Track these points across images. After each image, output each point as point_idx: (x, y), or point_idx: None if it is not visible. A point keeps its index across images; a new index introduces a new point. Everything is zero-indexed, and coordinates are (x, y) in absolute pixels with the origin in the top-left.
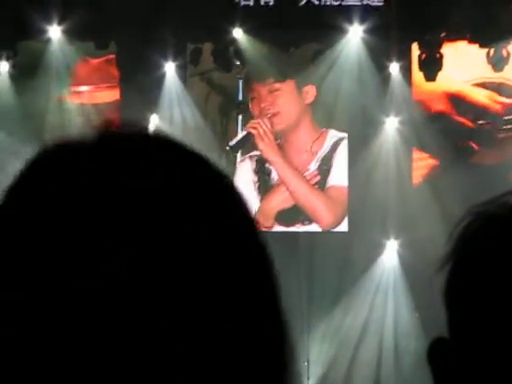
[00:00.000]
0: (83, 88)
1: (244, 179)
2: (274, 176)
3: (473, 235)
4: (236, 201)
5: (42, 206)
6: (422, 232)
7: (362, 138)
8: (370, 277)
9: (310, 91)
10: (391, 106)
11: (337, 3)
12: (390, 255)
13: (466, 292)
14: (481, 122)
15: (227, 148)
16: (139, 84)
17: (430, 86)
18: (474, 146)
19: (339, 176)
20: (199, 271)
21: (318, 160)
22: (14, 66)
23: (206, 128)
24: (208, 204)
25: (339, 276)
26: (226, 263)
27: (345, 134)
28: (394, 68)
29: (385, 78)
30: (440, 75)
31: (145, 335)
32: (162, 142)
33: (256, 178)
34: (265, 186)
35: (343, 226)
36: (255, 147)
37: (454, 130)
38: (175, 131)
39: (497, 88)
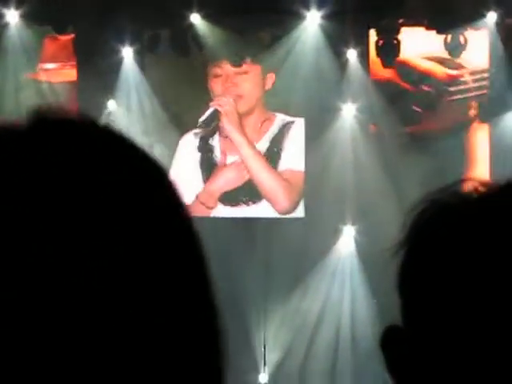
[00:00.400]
0: (49, 66)
1: (186, 155)
2: (217, 154)
3: (426, 223)
4: (168, 191)
5: None
6: (379, 218)
7: (319, 124)
8: (326, 263)
9: (271, 78)
10: (348, 92)
11: None
12: (347, 241)
13: (418, 279)
14: (424, 87)
15: (198, 125)
16: (96, 68)
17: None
18: (418, 109)
19: (294, 160)
20: (125, 264)
21: (266, 141)
22: None
23: (163, 113)
24: (137, 195)
25: (296, 262)
26: (153, 256)
27: (295, 119)
28: (352, 54)
29: (342, 64)
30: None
31: (62, 332)
32: (94, 130)
33: (198, 156)
34: (208, 163)
35: (299, 212)
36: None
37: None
38: (132, 116)
39: (442, 61)
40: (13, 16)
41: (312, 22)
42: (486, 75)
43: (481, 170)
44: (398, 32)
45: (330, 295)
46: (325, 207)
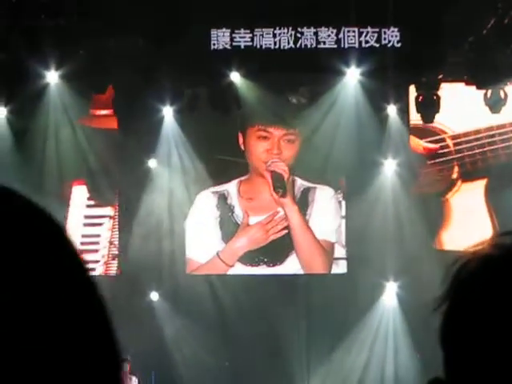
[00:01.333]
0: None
1: (203, 213)
2: (239, 214)
3: (468, 276)
4: (63, 245)
5: None
6: (420, 273)
7: (360, 180)
8: (369, 318)
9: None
10: (389, 148)
11: (335, 46)
12: (390, 297)
13: (461, 334)
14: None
15: (277, 192)
16: (137, 127)
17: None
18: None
19: (328, 231)
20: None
21: None
22: (11, 112)
23: (204, 171)
24: (28, 251)
25: (338, 318)
26: (47, 310)
27: (316, 185)
28: (392, 110)
29: (382, 119)
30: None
31: None
32: None
33: (217, 214)
34: (228, 222)
35: (342, 268)
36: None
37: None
38: (172, 174)
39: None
40: (53, 77)
41: (352, 78)
42: None
43: None
44: (438, 88)
45: (373, 351)
46: (367, 263)
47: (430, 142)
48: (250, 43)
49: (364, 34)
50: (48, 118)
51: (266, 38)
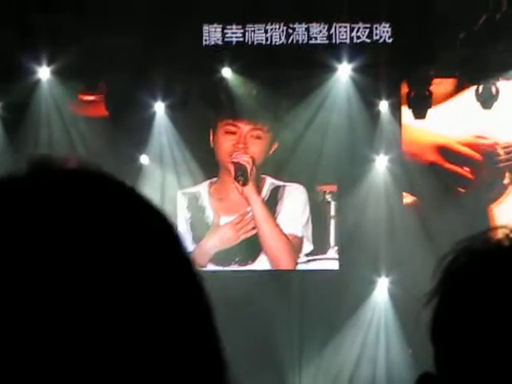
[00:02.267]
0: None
1: (174, 215)
2: (209, 215)
3: (458, 271)
4: (172, 239)
5: None
6: (412, 270)
7: (351, 176)
8: (361, 314)
9: (274, 147)
10: (381, 144)
11: (326, 41)
12: (381, 292)
13: (451, 327)
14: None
15: (238, 180)
16: (129, 124)
17: (419, 133)
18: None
19: (294, 225)
20: (132, 311)
21: None
22: (3, 108)
23: (196, 167)
24: (140, 243)
25: (330, 314)
26: (159, 302)
27: (285, 183)
28: (384, 106)
29: (374, 115)
30: (429, 118)
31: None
32: (96, 181)
33: (188, 215)
34: (198, 224)
35: (334, 264)
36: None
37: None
38: (164, 170)
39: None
40: (44, 72)
41: (343, 74)
42: None
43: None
44: (429, 83)
45: (366, 346)
46: (358, 259)
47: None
48: (242, 39)
49: (355, 30)
50: (40, 114)
51: (257, 34)
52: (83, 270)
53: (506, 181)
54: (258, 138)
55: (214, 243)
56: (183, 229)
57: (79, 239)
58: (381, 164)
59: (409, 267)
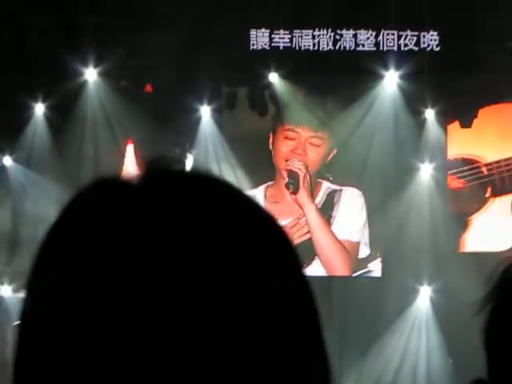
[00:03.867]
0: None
1: None
2: None
3: None
4: (281, 239)
5: (85, 245)
6: (455, 278)
7: (396, 184)
8: (402, 323)
9: (333, 153)
10: (426, 152)
11: (374, 48)
12: (424, 301)
13: (506, 334)
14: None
15: (288, 188)
16: (174, 126)
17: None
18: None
19: (351, 231)
20: (244, 308)
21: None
22: (50, 108)
23: (241, 173)
24: (254, 243)
25: (372, 321)
26: (268, 297)
27: (341, 187)
28: (430, 114)
29: (420, 123)
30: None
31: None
32: (210, 181)
33: None
34: None
35: (377, 272)
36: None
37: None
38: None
39: None
40: (91, 74)
41: (390, 81)
42: None
43: None
44: (476, 93)
45: (407, 355)
46: (402, 267)
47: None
48: (289, 44)
49: (403, 38)
50: (86, 116)
51: (305, 39)
52: (209, 275)
53: None
54: (317, 145)
55: None
56: None
57: (206, 246)
58: (426, 172)
59: (451, 276)
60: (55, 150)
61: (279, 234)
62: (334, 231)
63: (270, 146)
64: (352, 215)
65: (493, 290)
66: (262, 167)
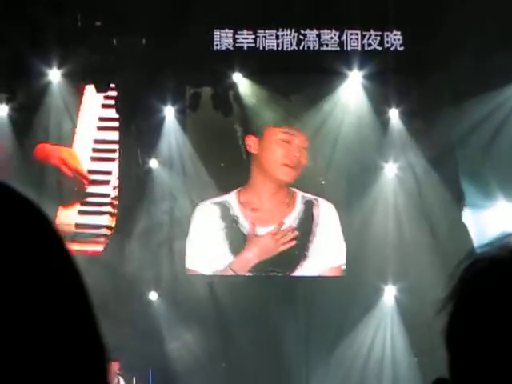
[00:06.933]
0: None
1: (206, 225)
2: (243, 224)
3: (475, 277)
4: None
5: None
6: (419, 277)
7: (361, 183)
8: (368, 321)
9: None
10: (390, 151)
11: (337, 48)
12: (388, 300)
13: (468, 334)
14: None
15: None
16: (138, 127)
17: None
18: None
19: (337, 256)
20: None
21: (295, 218)
22: (13, 109)
23: (205, 172)
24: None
25: (337, 321)
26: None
27: (315, 197)
28: (394, 113)
29: (384, 122)
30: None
31: None
32: None
33: (223, 225)
34: (233, 233)
35: (341, 272)
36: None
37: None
38: (173, 174)
39: None
40: (55, 75)
41: (354, 81)
42: None
43: None
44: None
45: (372, 352)
46: (366, 267)
47: None
48: (253, 44)
49: (367, 37)
50: (49, 116)
51: (268, 40)
52: None
53: None
54: (306, 148)
55: (254, 253)
56: (217, 239)
57: None
58: (390, 171)
59: (415, 275)
60: (19, 150)
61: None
62: (324, 260)
63: (251, 150)
64: (333, 238)
65: (454, 289)
66: (231, 169)
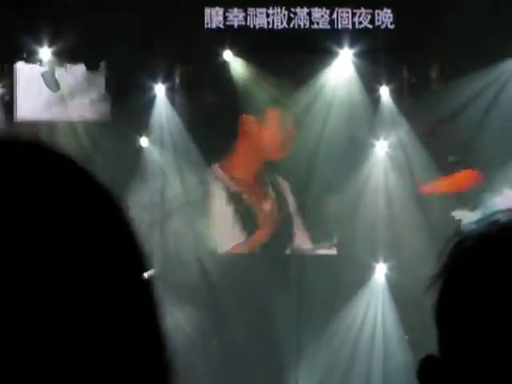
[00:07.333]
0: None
1: (218, 206)
2: (251, 203)
3: (465, 253)
4: (113, 212)
5: None
6: (411, 255)
7: (351, 161)
8: (358, 300)
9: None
10: (381, 129)
11: (328, 26)
12: (379, 278)
13: (456, 311)
14: None
15: None
16: (129, 105)
17: None
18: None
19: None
20: (65, 287)
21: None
22: (3, 87)
23: (196, 151)
24: (80, 213)
25: (328, 299)
26: (95, 277)
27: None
28: (384, 91)
29: (375, 100)
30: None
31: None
32: (37, 152)
33: (233, 207)
34: (246, 212)
35: (332, 249)
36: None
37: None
38: (164, 152)
39: None
40: (45, 54)
41: (345, 59)
42: None
43: None
44: (431, 69)
45: (362, 331)
46: (357, 244)
47: None
48: (244, 22)
49: (357, 15)
50: None
51: (259, 18)
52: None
53: None
54: (295, 127)
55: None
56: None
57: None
58: (381, 149)
59: (407, 253)
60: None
61: (113, 209)
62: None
63: (248, 129)
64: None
65: (443, 266)
66: (222, 146)
